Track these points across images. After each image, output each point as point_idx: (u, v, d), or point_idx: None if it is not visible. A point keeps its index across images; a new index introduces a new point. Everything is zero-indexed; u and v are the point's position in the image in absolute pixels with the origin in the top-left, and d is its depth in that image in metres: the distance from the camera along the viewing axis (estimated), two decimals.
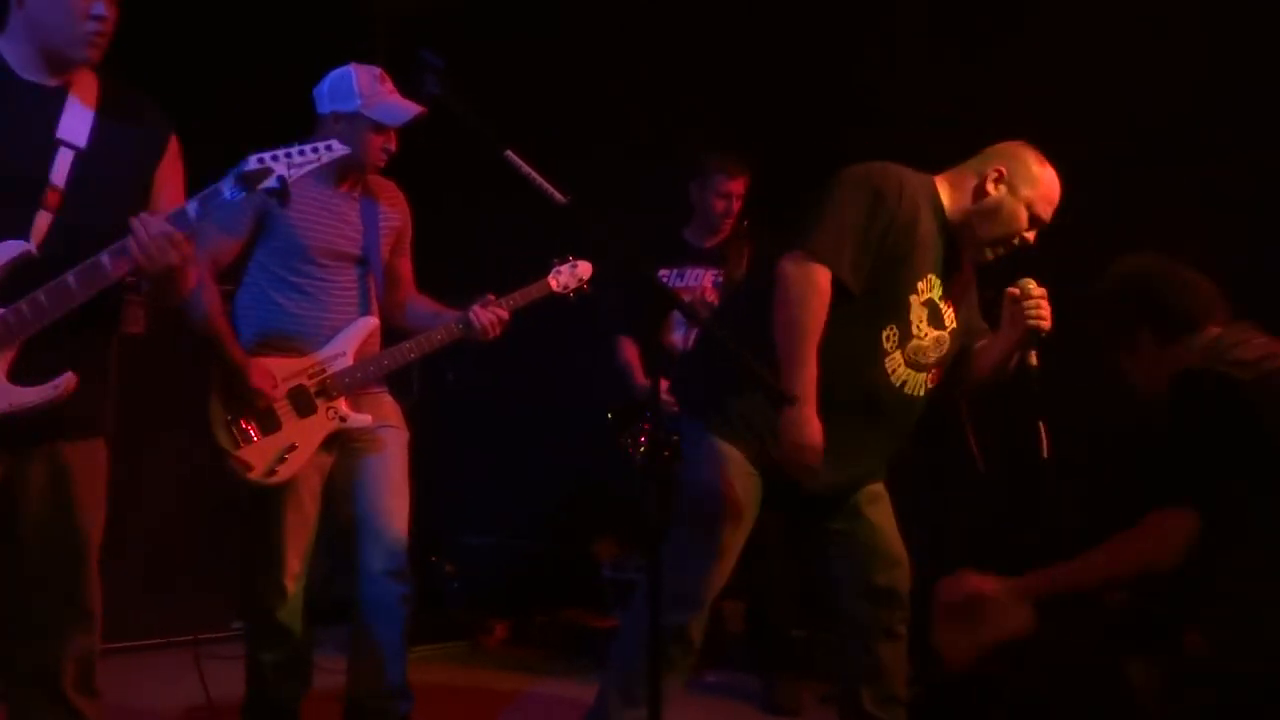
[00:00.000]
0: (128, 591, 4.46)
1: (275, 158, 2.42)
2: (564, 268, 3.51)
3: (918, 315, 2.87)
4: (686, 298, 4.35)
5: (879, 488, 2.98)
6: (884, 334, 2.84)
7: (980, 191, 2.88)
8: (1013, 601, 2.35)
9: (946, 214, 2.90)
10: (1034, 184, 2.87)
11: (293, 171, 2.43)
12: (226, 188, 2.40)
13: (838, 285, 2.78)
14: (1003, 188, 2.87)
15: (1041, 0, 4.40)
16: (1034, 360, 2.85)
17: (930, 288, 2.89)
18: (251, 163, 2.41)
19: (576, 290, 3.53)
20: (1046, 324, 2.84)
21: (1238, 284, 2.62)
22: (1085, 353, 2.76)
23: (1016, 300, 2.86)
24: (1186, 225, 3.92)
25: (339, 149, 2.50)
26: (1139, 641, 2.39)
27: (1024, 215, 2.86)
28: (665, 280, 4.42)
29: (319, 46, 3.46)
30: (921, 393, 2.92)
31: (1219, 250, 3.06)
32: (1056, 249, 3.95)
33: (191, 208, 2.41)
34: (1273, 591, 2.22)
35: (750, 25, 5.01)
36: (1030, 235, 2.90)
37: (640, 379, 4.41)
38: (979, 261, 2.98)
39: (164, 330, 4.55)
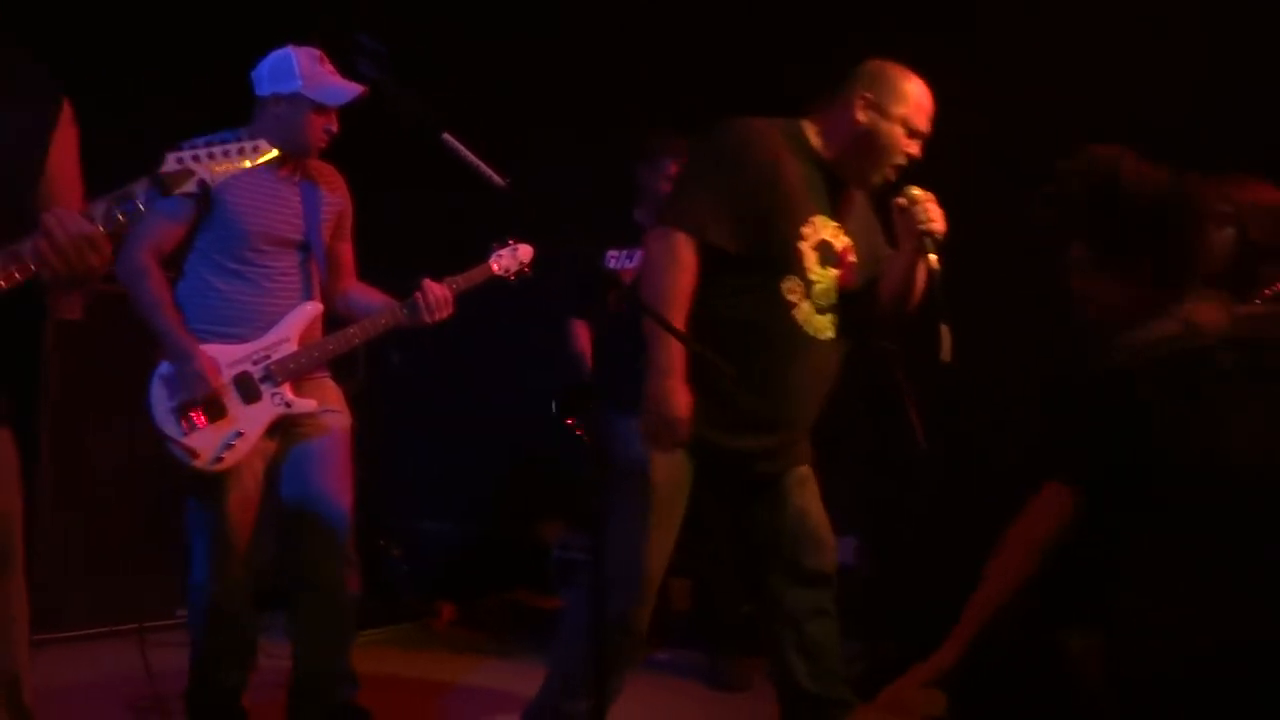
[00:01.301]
0: (70, 579, 4.44)
1: (196, 158, 2.13)
2: (504, 251, 3.50)
3: (810, 260, 2.82)
4: (635, 278, 4.38)
5: (806, 470, 2.96)
6: (784, 287, 2.80)
7: (851, 121, 2.84)
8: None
9: (819, 152, 2.87)
10: (903, 99, 2.82)
11: (215, 177, 2.14)
12: (141, 192, 2.10)
13: (716, 250, 2.74)
14: (872, 113, 2.82)
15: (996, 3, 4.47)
16: (934, 263, 2.80)
17: (818, 229, 2.84)
18: (170, 163, 2.12)
19: (518, 273, 3.52)
20: (938, 225, 2.81)
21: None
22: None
23: (904, 209, 2.83)
24: None
25: (265, 147, 2.21)
26: (1072, 612, 2.39)
27: (901, 133, 2.83)
28: (615, 261, 4.44)
29: (255, 29, 3.43)
30: (834, 333, 2.89)
31: None
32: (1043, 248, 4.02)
33: (99, 211, 2.09)
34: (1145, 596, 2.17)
35: (707, 11, 5.02)
36: (914, 149, 2.86)
37: (590, 362, 4.42)
38: (869, 189, 2.95)
39: (102, 315, 4.51)
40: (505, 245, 3.50)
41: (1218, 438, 2.12)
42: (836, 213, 2.90)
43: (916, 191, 2.83)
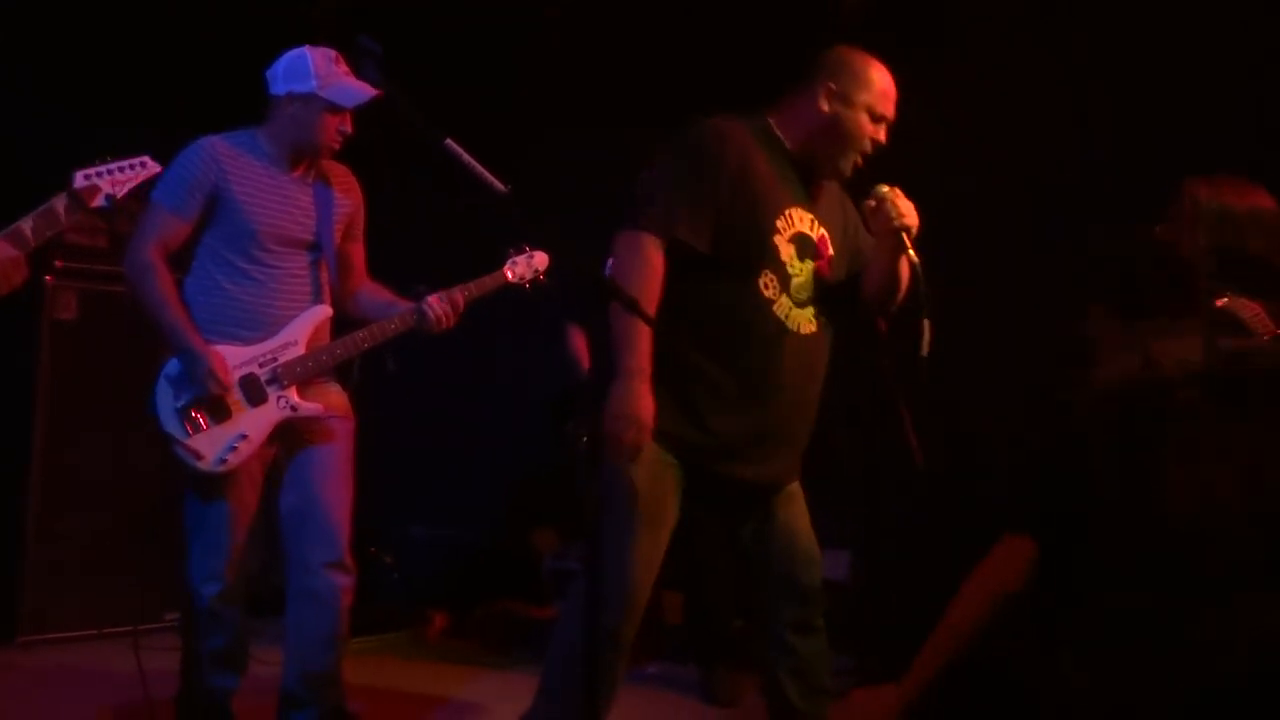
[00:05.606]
0: (58, 581, 4.41)
1: (100, 174, 2.47)
2: (520, 258, 3.47)
3: (787, 253, 2.81)
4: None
5: (795, 487, 2.94)
6: (761, 283, 2.78)
7: (816, 111, 2.84)
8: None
9: (787, 146, 2.87)
10: (867, 86, 2.83)
11: (118, 189, 2.50)
12: (61, 207, 2.40)
13: (688, 251, 2.72)
14: (836, 102, 2.82)
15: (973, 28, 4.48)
16: (914, 258, 2.77)
17: (793, 222, 2.83)
18: (79, 180, 2.45)
19: (532, 281, 3.50)
20: (910, 219, 2.78)
21: None
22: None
23: (875, 209, 2.81)
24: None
25: (151, 166, 2.54)
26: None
27: (865, 120, 2.83)
28: None
29: (259, 31, 3.42)
30: (817, 327, 2.86)
31: None
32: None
33: (28, 226, 2.39)
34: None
35: (714, 17, 5.03)
36: (880, 134, 2.86)
37: (585, 369, 4.40)
38: (840, 177, 2.93)
39: (95, 316, 4.50)
40: (521, 252, 3.47)
41: (1154, 484, 1.92)
42: (811, 204, 2.89)
43: (884, 189, 2.80)
